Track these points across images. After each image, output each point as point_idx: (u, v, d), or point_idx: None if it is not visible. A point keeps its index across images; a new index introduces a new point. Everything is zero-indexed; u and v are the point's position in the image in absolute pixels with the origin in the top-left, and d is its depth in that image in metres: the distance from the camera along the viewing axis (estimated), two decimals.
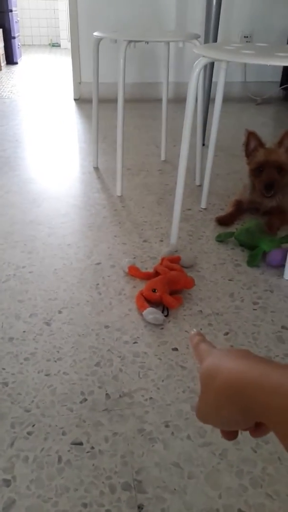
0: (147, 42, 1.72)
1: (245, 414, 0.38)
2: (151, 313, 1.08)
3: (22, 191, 1.79)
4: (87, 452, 0.78)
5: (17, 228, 1.51)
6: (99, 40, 1.79)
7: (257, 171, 1.47)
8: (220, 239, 1.43)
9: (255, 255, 1.29)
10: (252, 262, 1.29)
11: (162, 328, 1.07)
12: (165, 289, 1.14)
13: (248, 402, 0.37)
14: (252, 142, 1.48)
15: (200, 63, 1.15)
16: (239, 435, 0.84)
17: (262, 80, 3.35)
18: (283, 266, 1.26)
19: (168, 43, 1.96)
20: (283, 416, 0.33)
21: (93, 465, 0.76)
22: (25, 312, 1.11)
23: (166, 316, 1.10)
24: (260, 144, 1.47)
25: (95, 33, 1.72)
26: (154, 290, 1.13)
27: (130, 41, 1.60)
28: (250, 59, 1.05)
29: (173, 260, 1.27)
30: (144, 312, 1.09)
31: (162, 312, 1.10)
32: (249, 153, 1.50)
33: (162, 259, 1.27)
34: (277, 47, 1.24)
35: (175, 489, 0.73)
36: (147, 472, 0.75)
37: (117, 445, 0.79)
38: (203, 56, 1.13)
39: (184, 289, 1.18)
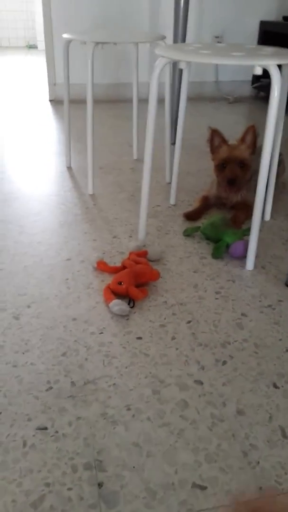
0: (115, 43, 1.76)
1: None
2: (117, 304, 1.12)
3: None
4: (51, 436, 0.82)
5: None
6: (68, 42, 1.83)
7: (220, 167, 1.52)
8: (187, 234, 1.48)
9: (218, 247, 1.34)
10: (216, 254, 1.34)
11: (127, 319, 1.11)
12: (131, 281, 1.18)
13: None
14: (216, 139, 1.53)
15: (160, 64, 1.20)
16: (196, 414, 0.88)
17: (234, 79, 3.42)
18: (245, 257, 1.31)
19: (137, 44, 2.01)
20: None
21: (57, 447, 0.80)
22: None
23: (131, 307, 1.14)
24: (223, 141, 1.53)
25: (64, 35, 1.75)
26: (120, 283, 1.17)
27: (97, 43, 1.64)
28: (205, 59, 1.10)
29: (140, 254, 1.31)
30: (110, 304, 1.13)
31: (128, 304, 1.14)
32: (213, 150, 1.55)
33: (130, 254, 1.31)
34: (235, 47, 1.29)
35: (133, 467, 0.77)
36: (108, 453, 0.79)
37: (80, 429, 0.83)
38: (162, 56, 1.18)
39: (149, 281, 1.23)
